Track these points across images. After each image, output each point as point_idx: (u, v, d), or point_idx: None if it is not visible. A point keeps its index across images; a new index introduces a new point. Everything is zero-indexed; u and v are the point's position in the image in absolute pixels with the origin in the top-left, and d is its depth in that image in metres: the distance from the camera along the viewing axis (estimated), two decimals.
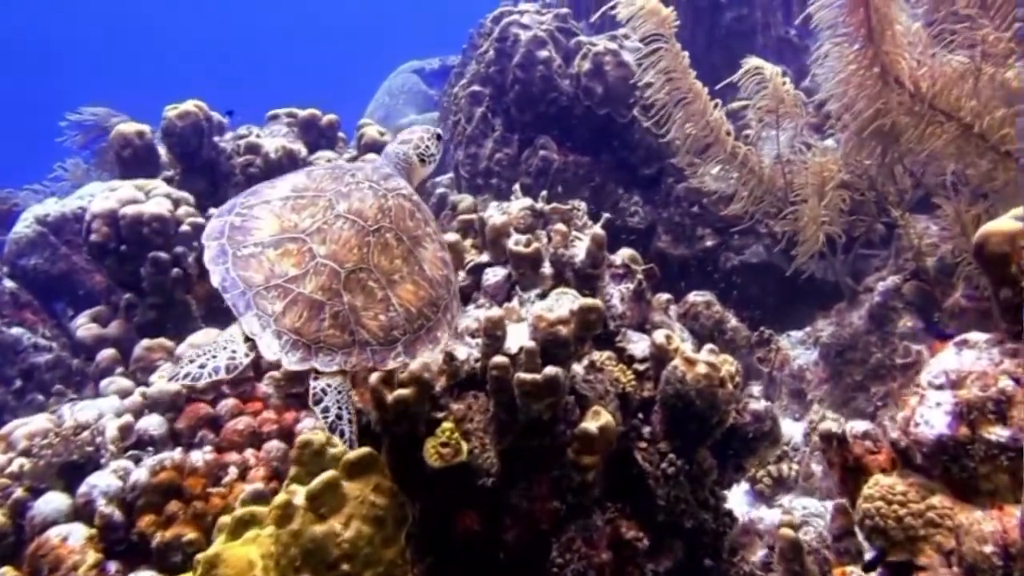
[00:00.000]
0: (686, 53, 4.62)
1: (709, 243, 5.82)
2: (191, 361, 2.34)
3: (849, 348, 4.72)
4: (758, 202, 4.83)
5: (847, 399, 4.71)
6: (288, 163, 4.91)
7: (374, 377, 2.81)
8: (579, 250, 3.37)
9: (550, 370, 2.67)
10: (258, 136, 5.17)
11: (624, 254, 3.58)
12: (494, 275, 3.40)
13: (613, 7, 4.78)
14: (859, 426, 2.50)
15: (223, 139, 5.33)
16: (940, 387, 2.14)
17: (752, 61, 4.59)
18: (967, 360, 2.12)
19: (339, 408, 2.38)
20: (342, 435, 2.39)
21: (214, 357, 2.35)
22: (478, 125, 6.14)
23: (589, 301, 2.86)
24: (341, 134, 5.64)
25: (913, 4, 3.91)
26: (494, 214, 3.65)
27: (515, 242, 3.38)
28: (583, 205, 3.79)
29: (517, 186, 3.86)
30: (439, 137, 3.03)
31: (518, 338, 2.88)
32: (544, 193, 3.79)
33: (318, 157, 5.13)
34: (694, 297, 3.72)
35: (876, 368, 4.56)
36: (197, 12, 45.91)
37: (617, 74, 5.83)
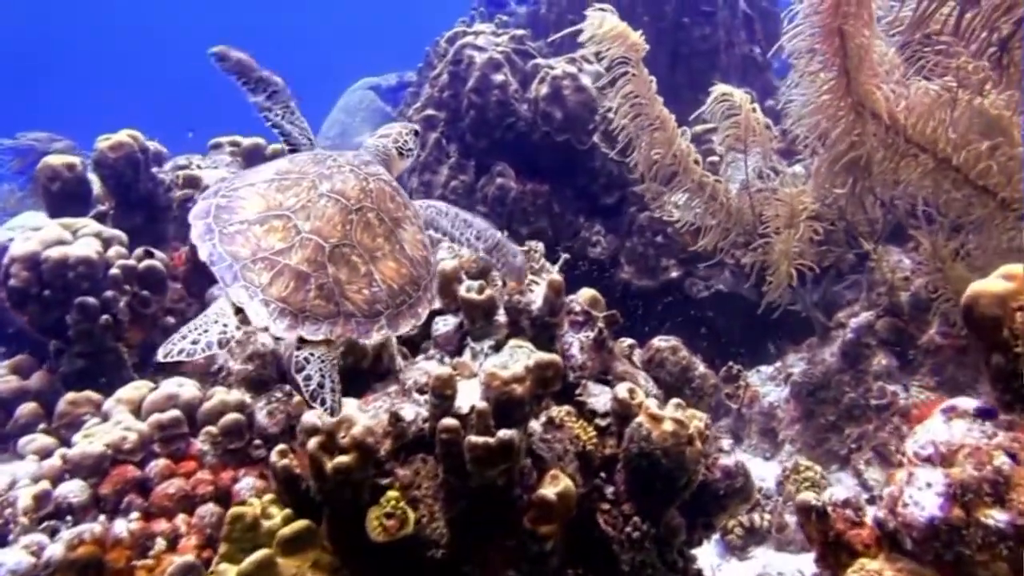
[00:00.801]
0: (653, 79, 4.50)
1: (674, 274, 5.70)
2: (183, 337, 2.31)
3: (821, 387, 4.61)
4: (726, 234, 4.71)
5: (820, 440, 4.59)
6: None
7: (312, 443, 2.63)
8: (536, 296, 3.21)
9: (504, 434, 2.52)
10: (198, 167, 4.95)
11: (584, 297, 3.43)
12: (445, 324, 3.24)
13: (577, 32, 4.63)
14: (839, 494, 2.36)
15: (162, 170, 5.11)
16: (929, 460, 1.99)
17: (720, 88, 4.47)
18: (957, 432, 1.98)
19: (321, 376, 2.40)
20: (323, 403, 2.38)
21: (205, 332, 2.36)
22: (432, 151, 5.98)
23: (546, 357, 2.71)
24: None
25: (887, 30, 3.80)
26: (445, 257, 3.48)
27: (467, 289, 3.21)
28: (540, 246, 3.63)
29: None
30: (416, 133, 3.14)
31: (470, 396, 2.72)
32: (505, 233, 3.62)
33: None
34: (659, 342, 3.57)
35: (850, 408, 4.45)
36: (133, 28, 45.14)
37: (576, 99, 5.70)
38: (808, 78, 3.90)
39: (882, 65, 3.60)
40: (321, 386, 2.40)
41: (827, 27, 3.54)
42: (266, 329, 2.29)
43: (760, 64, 9.02)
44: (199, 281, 4.63)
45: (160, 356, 2.32)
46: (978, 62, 3.38)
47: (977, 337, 2.02)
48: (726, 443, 3.23)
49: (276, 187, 2.58)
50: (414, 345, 3.30)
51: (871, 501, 4.05)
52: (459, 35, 6.22)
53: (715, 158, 5.66)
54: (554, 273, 3.46)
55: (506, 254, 2.98)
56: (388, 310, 2.50)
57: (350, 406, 2.71)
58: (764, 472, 4.74)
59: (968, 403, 2.06)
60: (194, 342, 2.32)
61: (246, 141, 5.23)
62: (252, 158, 5.14)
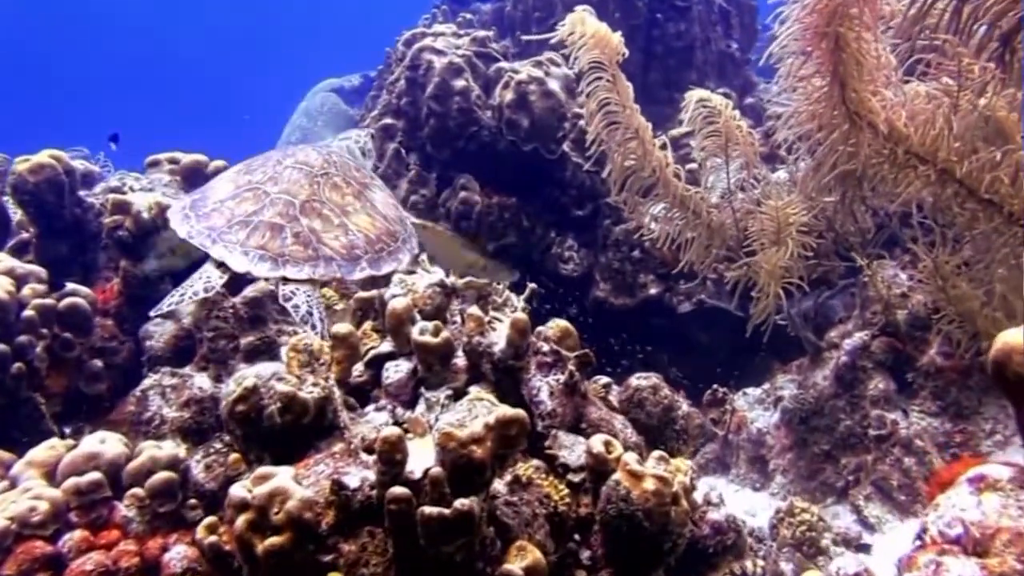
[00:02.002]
0: (629, 86, 4.22)
1: (653, 291, 5.44)
2: (171, 296, 2.54)
3: (814, 413, 4.36)
4: (708, 251, 4.44)
5: (814, 471, 4.34)
6: (164, 223, 4.38)
7: (240, 522, 2.34)
8: (498, 337, 2.92)
9: (462, 503, 2.24)
10: (131, 189, 4.61)
11: (554, 331, 3.16)
12: (396, 370, 2.94)
13: (551, 29, 4.33)
14: (847, 567, 2.09)
15: (92, 192, 4.78)
16: (958, 543, 1.72)
17: (697, 93, 4.20)
18: (991, 509, 1.72)
19: (309, 305, 2.57)
20: (314, 328, 2.56)
21: (191, 286, 2.58)
22: (391, 163, 5.68)
23: (509, 413, 2.42)
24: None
25: (883, 26, 3.53)
26: (396, 293, 3.19)
27: (421, 331, 2.92)
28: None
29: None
30: (373, 137, 3.51)
31: (424, 458, 2.43)
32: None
33: None
34: (637, 381, 3.29)
35: (846, 437, 4.19)
36: (92, 29, 44.38)
37: (544, 105, 5.42)
38: (796, 83, 3.63)
39: (880, 69, 3.33)
40: (310, 312, 2.56)
41: (820, 29, 3.27)
42: (248, 273, 2.51)
43: (738, 60, 8.81)
44: (133, 316, 4.32)
45: (152, 314, 2.59)
46: (978, 61, 3.12)
47: (1010, 397, 1.75)
48: (715, 495, 2.96)
49: (244, 171, 2.84)
50: (363, 395, 3.01)
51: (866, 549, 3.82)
52: (417, 37, 5.93)
53: (694, 165, 5.41)
54: (519, 308, 3.19)
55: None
56: (368, 255, 2.68)
57: (285, 476, 2.41)
58: (754, 504, 4.49)
59: (1000, 471, 1.80)
60: (181, 295, 2.55)
61: (186, 158, 4.90)
62: (193, 177, 4.82)
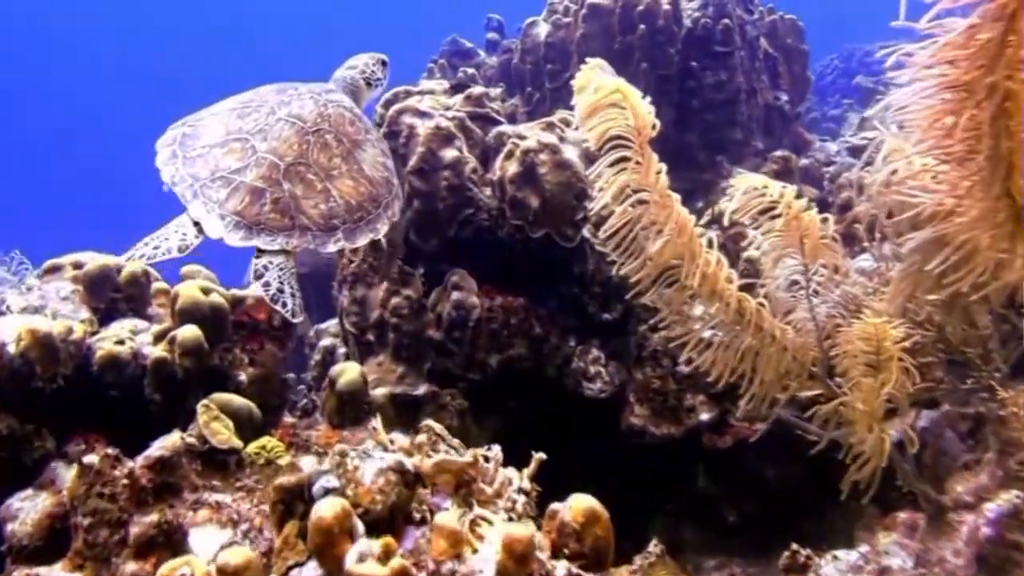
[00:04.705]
0: (662, 168, 3.29)
1: (704, 415, 4.44)
2: (145, 244, 2.60)
3: None
4: (780, 378, 3.46)
5: None
6: (49, 354, 3.41)
7: None
8: (483, 562, 1.92)
9: None
10: (7, 309, 3.67)
11: (573, 514, 2.16)
12: None
13: (566, 84, 3.44)
14: None
15: None
16: None
17: (747, 180, 3.28)
18: None
19: (280, 283, 2.62)
20: (284, 306, 2.59)
21: (166, 239, 2.62)
22: (366, 256, 4.73)
23: None
24: (161, 284, 4.16)
25: None
26: (328, 486, 2.21)
27: (361, 555, 1.95)
28: (495, 451, 2.36)
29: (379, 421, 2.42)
30: (384, 63, 3.42)
31: None
32: (431, 431, 2.35)
33: (104, 337, 3.60)
34: None
35: None
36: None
37: (557, 178, 4.48)
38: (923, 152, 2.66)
39: None
40: (281, 291, 2.59)
41: (972, 82, 2.28)
42: (221, 240, 2.55)
43: (787, 115, 7.94)
44: None
45: (123, 259, 2.68)
46: None
47: None
48: None
49: (237, 114, 2.86)
50: None
51: None
52: (399, 96, 5.02)
53: (753, 252, 4.47)
54: (518, 503, 2.20)
55: None
56: (345, 225, 2.73)
57: None
58: None
59: None
60: (155, 247, 2.58)
61: (92, 263, 3.95)
62: (98, 288, 3.90)
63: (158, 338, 3.64)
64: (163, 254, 2.57)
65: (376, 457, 2.26)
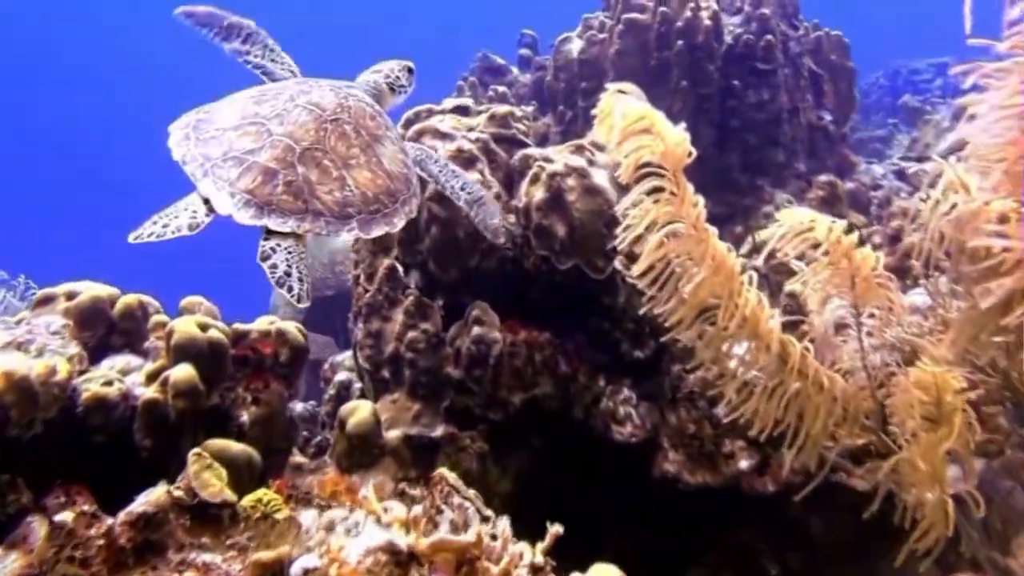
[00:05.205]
0: (700, 200, 3.02)
1: (744, 463, 4.14)
2: (154, 223, 2.53)
3: None
4: (829, 430, 3.17)
5: None
6: (27, 399, 3.15)
7: None
8: None
9: None
10: None
11: None
12: None
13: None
14: None
15: None
16: None
17: (795, 214, 3.00)
18: None
19: (288, 265, 2.54)
20: (290, 290, 2.51)
21: (176, 217, 2.54)
22: (382, 287, 4.48)
23: None
24: (160, 317, 3.92)
25: None
26: (309, 567, 1.95)
27: None
28: (503, 526, 2.09)
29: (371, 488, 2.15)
30: (410, 70, 3.44)
31: None
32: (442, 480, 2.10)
33: (91, 378, 3.34)
34: None
35: None
36: None
37: (587, 205, 4.22)
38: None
39: None
40: (288, 274, 2.54)
41: None
42: (231, 217, 2.54)
43: (832, 135, 7.64)
44: None
45: (130, 239, 2.53)
46: None
47: None
48: None
49: (255, 101, 2.86)
50: None
51: None
52: (421, 115, 4.79)
53: (796, 286, 4.18)
54: None
55: (486, 214, 3.43)
56: (360, 215, 2.70)
57: None
58: None
59: None
60: (164, 226, 2.52)
61: (85, 295, 3.71)
62: (91, 323, 3.66)
63: (150, 378, 3.39)
64: (172, 232, 2.50)
65: (365, 534, 2.01)
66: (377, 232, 2.74)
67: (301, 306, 2.56)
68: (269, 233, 2.59)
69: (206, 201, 2.58)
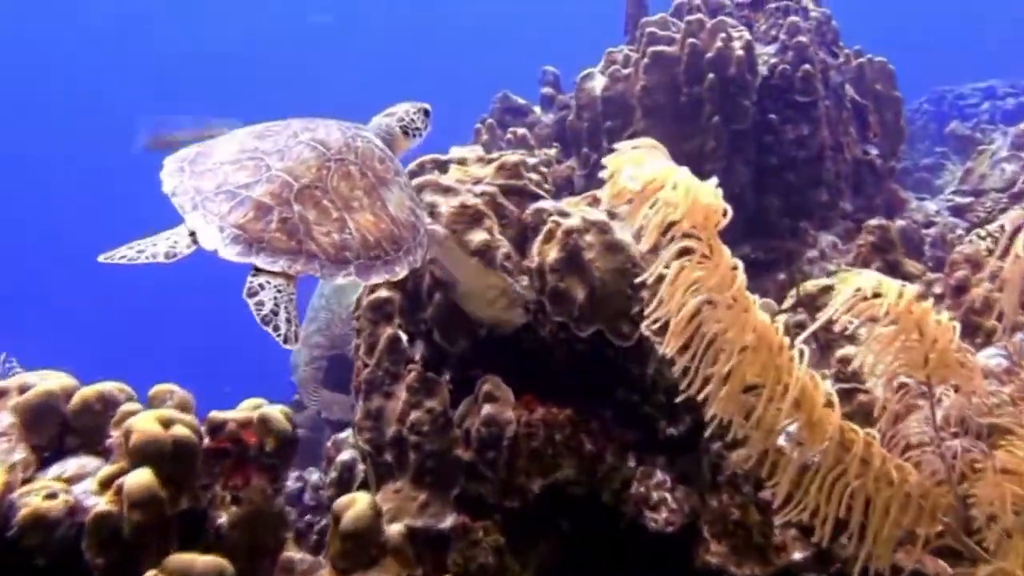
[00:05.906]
0: (738, 265, 2.59)
1: (798, 555, 3.65)
2: (129, 247, 2.43)
3: None
4: (901, 530, 2.70)
5: None
6: None
7: None
8: None
9: None
10: None
11: None
12: None
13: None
14: None
15: None
16: None
17: (858, 279, 2.57)
18: None
19: (275, 304, 2.41)
20: (276, 329, 2.38)
21: (153, 245, 2.45)
22: (384, 360, 4.06)
23: None
24: (128, 406, 3.49)
25: None
26: None
27: None
28: None
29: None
30: (427, 113, 3.33)
31: None
32: None
33: (32, 489, 2.90)
34: None
35: None
36: None
37: (608, 264, 3.79)
38: None
39: None
40: (275, 312, 2.40)
41: None
42: (215, 252, 2.41)
43: (879, 170, 7.15)
44: None
45: (100, 259, 2.43)
46: None
47: None
48: None
49: (256, 136, 2.77)
50: None
51: None
52: (425, 166, 4.40)
53: (849, 350, 3.74)
54: None
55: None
56: (359, 260, 2.56)
57: None
58: None
59: None
60: (139, 251, 2.42)
61: (34, 391, 3.30)
62: (38, 424, 3.26)
63: (103, 485, 2.97)
64: (147, 258, 2.40)
65: None
66: (376, 279, 2.66)
67: (288, 347, 2.43)
68: (258, 269, 2.45)
69: (192, 234, 2.46)
